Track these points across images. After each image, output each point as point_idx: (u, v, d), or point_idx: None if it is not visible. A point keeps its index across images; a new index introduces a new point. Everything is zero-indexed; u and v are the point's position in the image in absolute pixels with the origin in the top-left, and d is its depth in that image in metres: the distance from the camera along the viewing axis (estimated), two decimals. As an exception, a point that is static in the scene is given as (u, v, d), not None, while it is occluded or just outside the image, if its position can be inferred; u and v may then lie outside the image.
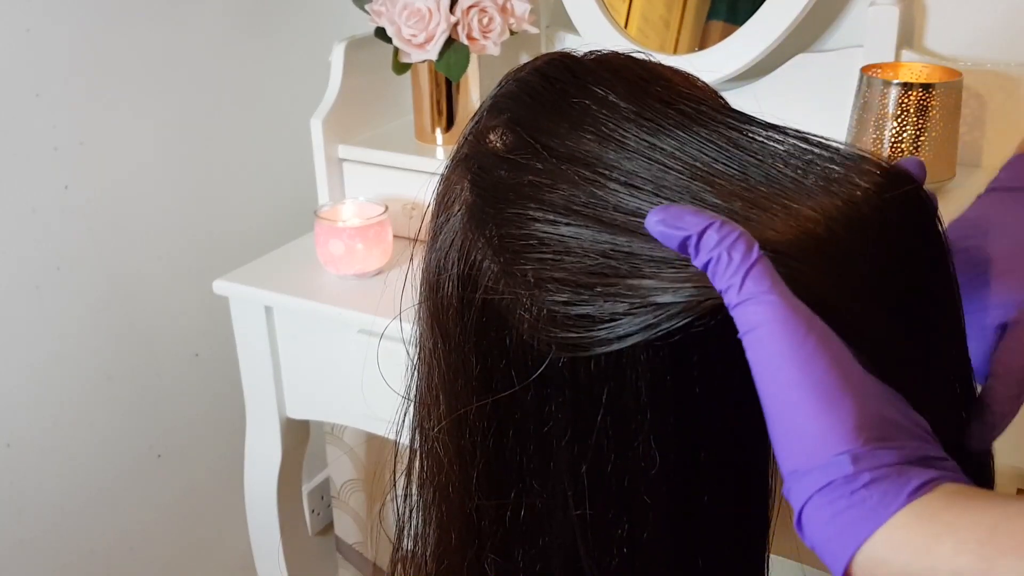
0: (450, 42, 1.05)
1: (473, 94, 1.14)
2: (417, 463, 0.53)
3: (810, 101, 1.04)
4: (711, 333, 0.37)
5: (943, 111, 0.89)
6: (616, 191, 0.41)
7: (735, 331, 0.37)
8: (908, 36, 1.01)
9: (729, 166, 0.42)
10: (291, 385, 1.11)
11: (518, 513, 0.46)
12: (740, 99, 1.11)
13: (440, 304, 0.46)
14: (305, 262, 1.09)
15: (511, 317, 0.43)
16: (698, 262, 0.37)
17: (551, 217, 0.41)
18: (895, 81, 0.90)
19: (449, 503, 0.50)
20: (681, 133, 0.43)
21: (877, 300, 0.39)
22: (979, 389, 0.44)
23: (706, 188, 0.41)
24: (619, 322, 0.38)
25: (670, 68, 0.48)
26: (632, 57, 0.48)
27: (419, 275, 0.49)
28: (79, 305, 1.19)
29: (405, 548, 0.57)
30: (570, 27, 1.18)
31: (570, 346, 0.40)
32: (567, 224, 0.41)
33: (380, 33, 1.08)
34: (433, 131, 1.14)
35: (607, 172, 0.42)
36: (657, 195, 0.41)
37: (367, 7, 1.08)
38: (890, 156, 0.91)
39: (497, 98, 0.47)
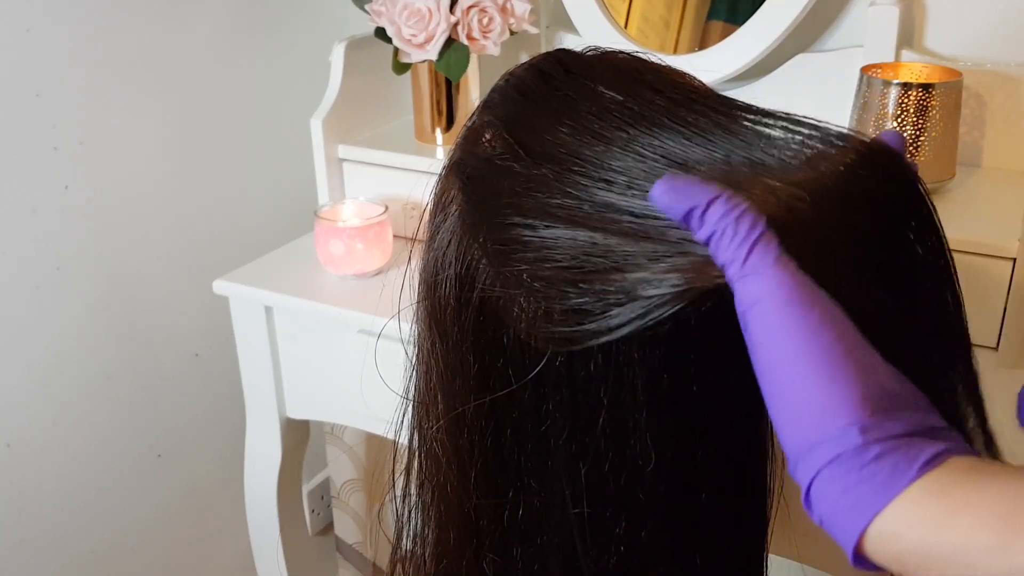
0: (450, 42, 1.05)
1: (473, 94, 1.14)
2: (416, 463, 0.53)
3: (810, 101, 1.04)
4: (707, 331, 0.37)
5: (943, 111, 0.89)
6: (588, 187, 0.41)
7: (731, 329, 0.37)
8: (908, 36, 1.01)
9: (713, 151, 0.41)
10: (291, 385, 1.11)
11: (516, 512, 0.46)
12: (740, 99, 1.11)
13: (438, 303, 0.46)
14: (305, 262, 1.09)
15: (507, 316, 0.43)
16: (701, 234, 0.37)
17: (529, 222, 0.41)
18: (895, 81, 0.90)
19: (448, 502, 0.50)
20: (666, 120, 0.42)
21: (868, 272, 0.39)
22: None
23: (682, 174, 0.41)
24: (610, 314, 0.38)
25: (667, 66, 0.48)
26: (630, 54, 0.48)
27: (417, 275, 0.49)
28: (79, 305, 1.19)
29: (404, 548, 0.57)
30: (570, 27, 1.18)
31: (565, 340, 0.40)
32: (545, 227, 0.41)
33: (380, 33, 1.08)
34: (433, 131, 1.14)
35: (582, 168, 0.42)
36: (630, 187, 0.40)
37: (367, 7, 1.08)
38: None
39: (489, 95, 0.47)
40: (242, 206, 1.37)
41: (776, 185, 0.39)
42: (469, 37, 1.05)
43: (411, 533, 0.55)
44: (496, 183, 0.43)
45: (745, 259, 0.35)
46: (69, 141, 1.13)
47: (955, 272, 0.41)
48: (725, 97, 0.45)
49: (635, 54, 0.48)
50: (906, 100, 0.89)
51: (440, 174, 0.48)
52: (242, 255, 1.18)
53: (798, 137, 0.41)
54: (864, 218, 0.39)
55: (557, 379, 0.42)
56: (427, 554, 0.54)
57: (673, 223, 0.38)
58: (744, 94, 1.07)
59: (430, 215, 0.48)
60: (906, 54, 0.99)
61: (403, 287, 0.53)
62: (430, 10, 1.03)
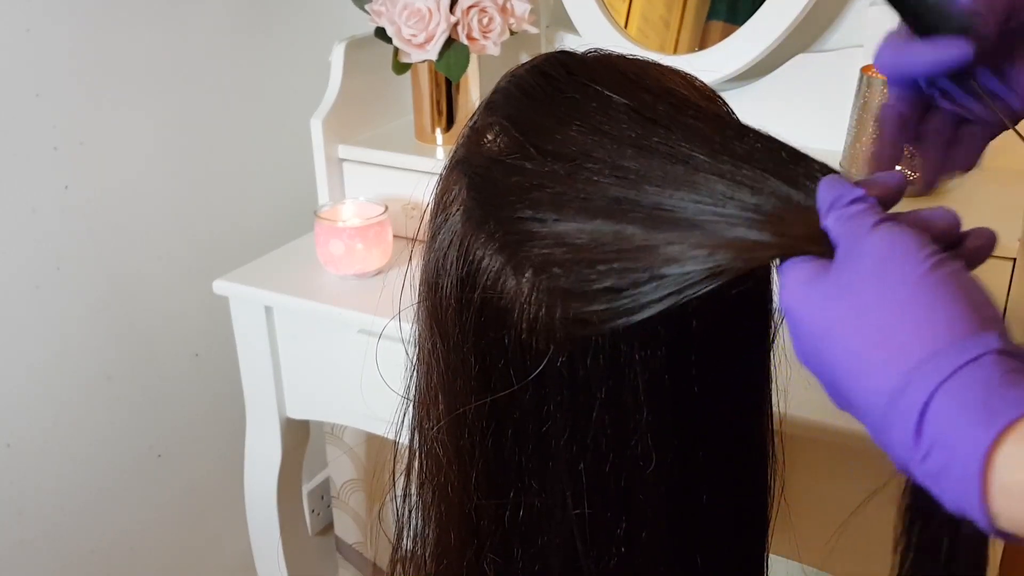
0: (450, 42, 1.05)
1: (473, 94, 1.14)
2: (416, 463, 0.53)
3: (810, 101, 1.04)
4: (708, 331, 0.37)
5: (943, 111, 0.89)
6: (600, 182, 0.41)
7: (732, 329, 0.37)
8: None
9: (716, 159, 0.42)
10: (291, 385, 1.11)
11: (517, 512, 0.46)
12: (740, 99, 1.12)
13: (439, 304, 0.46)
14: (305, 262, 1.09)
15: (510, 318, 0.43)
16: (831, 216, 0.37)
17: (540, 216, 0.41)
18: (895, 81, 0.90)
19: (448, 503, 0.50)
20: (670, 123, 0.42)
21: None
22: None
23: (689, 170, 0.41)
24: (642, 289, 0.37)
25: (668, 67, 0.48)
26: (630, 56, 0.48)
27: (418, 275, 0.49)
28: (79, 305, 1.19)
29: (405, 548, 0.57)
30: (570, 27, 1.18)
31: (592, 322, 0.39)
32: (555, 220, 0.41)
33: (380, 33, 1.08)
34: (433, 131, 1.14)
35: (593, 165, 0.42)
36: (642, 183, 0.40)
37: (367, 7, 1.08)
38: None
39: (492, 96, 0.47)
40: (242, 206, 1.36)
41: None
42: (469, 37, 1.05)
43: (411, 533, 0.55)
44: (504, 180, 0.43)
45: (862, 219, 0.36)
46: (69, 141, 1.13)
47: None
48: (723, 116, 0.45)
49: (635, 57, 0.48)
50: (906, 100, 0.89)
51: (441, 174, 0.48)
52: (242, 255, 1.18)
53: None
54: None
55: (558, 380, 0.42)
56: (427, 554, 0.54)
57: (687, 215, 0.38)
58: (744, 94, 1.07)
59: (431, 215, 0.48)
60: (906, 54, 0.99)
61: (403, 287, 0.53)
62: (430, 10, 1.03)
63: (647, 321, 0.40)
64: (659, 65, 0.48)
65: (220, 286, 1.07)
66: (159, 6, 1.19)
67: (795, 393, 0.57)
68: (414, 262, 0.51)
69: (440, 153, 1.12)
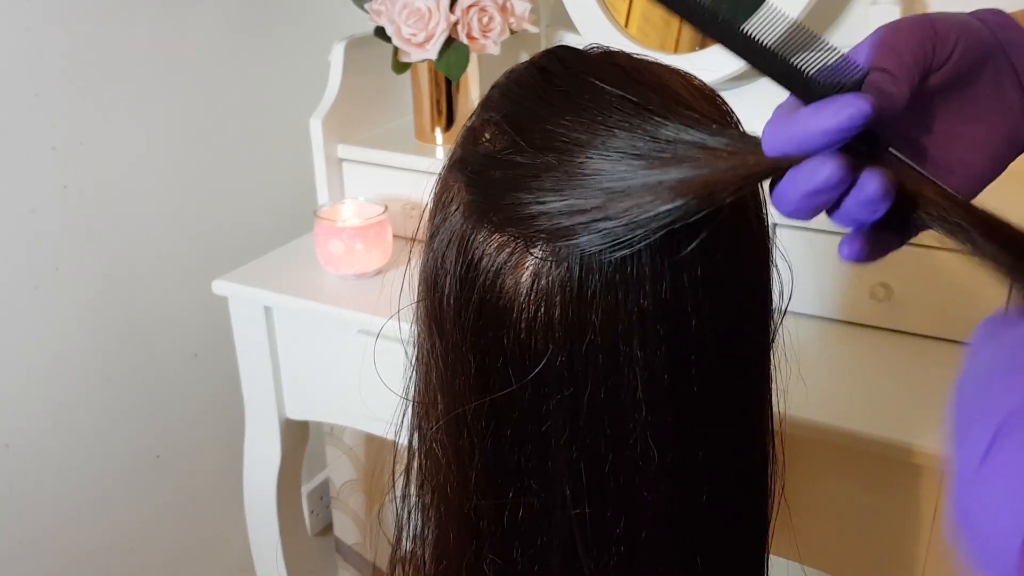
0: (450, 41, 1.05)
1: (473, 94, 1.13)
2: (416, 463, 0.53)
3: (810, 101, 1.04)
4: (709, 329, 0.37)
5: (943, 111, 0.89)
6: (595, 164, 0.41)
7: (732, 329, 0.36)
8: (908, 36, 1.01)
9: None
10: (290, 385, 1.11)
11: (516, 513, 0.46)
12: (740, 99, 1.11)
13: (438, 304, 0.46)
14: (305, 262, 1.09)
15: (508, 317, 0.42)
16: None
17: (542, 199, 0.41)
18: (895, 81, 0.90)
19: (448, 503, 0.50)
20: (666, 113, 0.42)
21: None
22: None
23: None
24: (632, 213, 0.38)
25: (668, 66, 0.47)
26: (630, 54, 0.47)
27: (417, 274, 0.49)
28: (78, 305, 1.19)
29: (404, 548, 0.57)
30: (570, 26, 1.18)
31: (590, 248, 0.40)
32: (558, 199, 0.41)
33: (380, 32, 1.08)
34: (433, 131, 1.14)
35: (586, 153, 0.42)
36: (635, 160, 0.40)
37: (367, 6, 1.08)
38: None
39: (489, 94, 0.47)
40: (242, 206, 1.36)
41: None
42: (469, 36, 1.05)
43: (411, 534, 0.55)
44: (502, 176, 0.43)
45: None
46: (68, 141, 1.13)
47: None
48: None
49: (636, 54, 0.48)
50: (907, 100, 0.89)
51: (440, 174, 0.48)
52: (242, 255, 1.18)
53: None
54: None
55: (557, 379, 0.42)
56: (427, 555, 0.54)
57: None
58: (744, 94, 1.07)
59: (430, 215, 0.48)
60: (907, 54, 0.99)
61: (403, 287, 0.52)
62: (430, 9, 1.02)
63: (646, 320, 0.40)
64: (659, 63, 0.47)
65: (219, 286, 1.06)
66: (159, 6, 1.19)
67: (795, 393, 0.57)
68: (413, 262, 0.51)
69: (440, 153, 1.12)
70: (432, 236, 0.47)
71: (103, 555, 1.29)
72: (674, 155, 0.39)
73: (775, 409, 0.50)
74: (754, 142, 0.38)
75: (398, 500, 0.55)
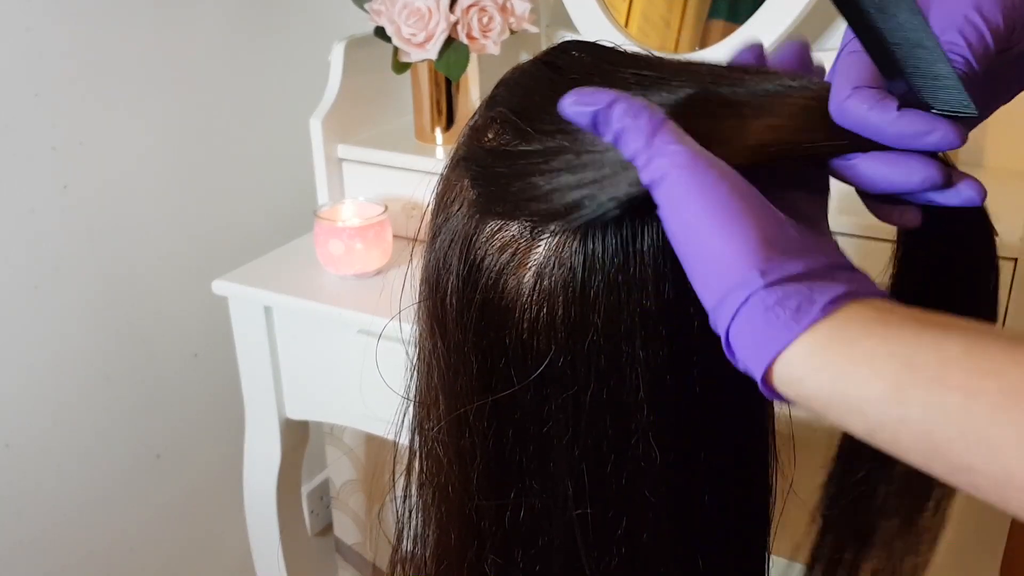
0: (450, 41, 1.05)
1: (473, 94, 1.13)
2: (416, 463, 0.53)
3: (810, 101, 1.04)
4: (711, 331, 0.37)
5: (944, 111, 0.89)
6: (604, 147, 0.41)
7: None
8: (909, 36, 1.01)
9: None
10: (290, 385, 1.11)
11: (518, 513, 0.46)
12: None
13: (439, 304, 0.46)
14: (305, 262, 1.09)
15: (511, 317, 0.42)
16: (608, 135, 0.38)
17: (552, 178, 0.41)
18: (896, 81, 0.90)
19: (449, 503, 0.50)
20: (680, 79, 0.43)
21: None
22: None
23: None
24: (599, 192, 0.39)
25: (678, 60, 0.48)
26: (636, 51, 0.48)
27: (418, 275, 0.49)
28: (78, 305, 1.18)
29: (404, 549, 0.56)
30: (570, 26, 1.17)
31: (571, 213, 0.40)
32: (566, 175, 0.41)
33: (380, 32, 1.08)
34: (433, 131, 1.14)
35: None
36: None
37: (367, 6, 1.08)
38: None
39: (494, 92, 0.47)
40: (242, 206, 1.36)
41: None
42: (469, 36, 1.05)
43: (411, 534, 0.55)
44: (509, 167, 0.43)
45: (647, 145, 0.37)
46: (68, 141, 1.13)
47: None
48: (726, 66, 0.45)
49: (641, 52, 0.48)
50: (907, 100, 0.89)
51: (442, 174, 0.48)
52: (242, 255, 1.18)
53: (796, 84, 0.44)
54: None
55: (560, 380, 0.42)
56: (427, 555, 0.54)
57: None
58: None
59: (432, 215, 0.48)
60: (907, 54, 0.99)
61: (403, 287, 0.52)
62: (430, 9, 1.02)
63: (649, 321, 0.40)
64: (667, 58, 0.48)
65: (219, 286, 1.06)
66: (159, 6, 1.18)
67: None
68: (414, 262, 0.50)
69: (440, 153, 1.12)
70: (434, 236, 0.47)
71: (103, 555, 1.29)
72: None
73: (776, 409, 0.50)
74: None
75: (398, 500, 0.55)
